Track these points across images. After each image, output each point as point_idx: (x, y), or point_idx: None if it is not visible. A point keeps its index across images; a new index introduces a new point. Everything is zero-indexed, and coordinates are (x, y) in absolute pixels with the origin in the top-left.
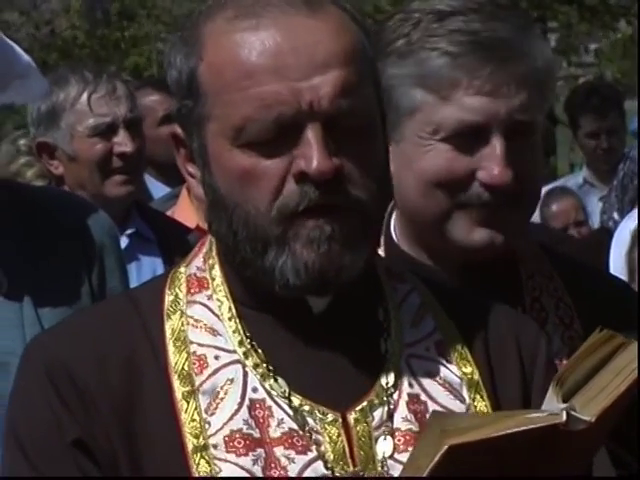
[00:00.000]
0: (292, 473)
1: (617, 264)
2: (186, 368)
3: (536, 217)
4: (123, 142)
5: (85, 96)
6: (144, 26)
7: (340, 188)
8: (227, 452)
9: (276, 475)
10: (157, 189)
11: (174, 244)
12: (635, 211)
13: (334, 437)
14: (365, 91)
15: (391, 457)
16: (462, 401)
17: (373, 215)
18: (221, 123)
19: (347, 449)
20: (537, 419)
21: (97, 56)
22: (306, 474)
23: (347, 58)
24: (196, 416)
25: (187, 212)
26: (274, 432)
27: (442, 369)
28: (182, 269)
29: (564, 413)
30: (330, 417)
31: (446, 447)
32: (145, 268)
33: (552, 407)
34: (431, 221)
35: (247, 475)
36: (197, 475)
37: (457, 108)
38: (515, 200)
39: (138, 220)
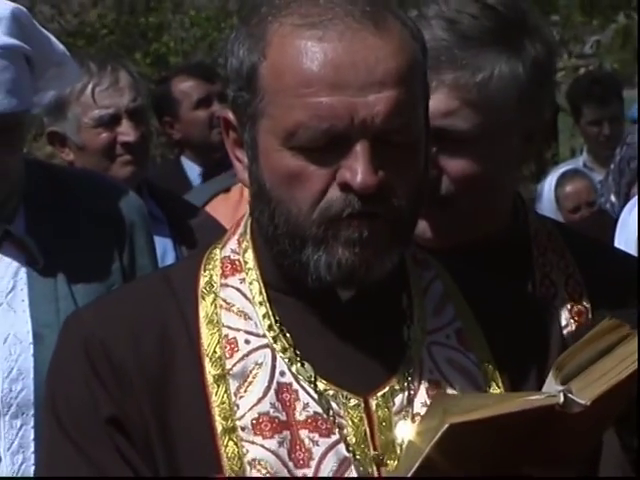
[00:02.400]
0: (316, 455)
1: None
2: (217, 351)
3: (551, 197)
4: (126, 132)
5: (89, 88)
6: (166, 15)
7: (382, 199)
8: (254, 434)
9: (300, 457)
10: (192, 170)
11: (180, 225)
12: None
13: (356, 421)
14: (416, 109)
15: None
16: (478, 388)
17: (410, 221)
18: (274, 123)
19: (368, 433)
20: (535, 400)
21: (122, 43)
22: (329, 456)
23: (403, 78)
24: (225, 399)
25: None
26: (300, 415)
27: (461, 357)
28: (217, 250)
29: (561, 395)
30: (353, 402)
31: (447, 425)
32: (162, 252)
33: (550, 389)
34: None
35: (273, 456)
36: (225, 456)
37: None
38: (444, 202)
39: (149, 201)
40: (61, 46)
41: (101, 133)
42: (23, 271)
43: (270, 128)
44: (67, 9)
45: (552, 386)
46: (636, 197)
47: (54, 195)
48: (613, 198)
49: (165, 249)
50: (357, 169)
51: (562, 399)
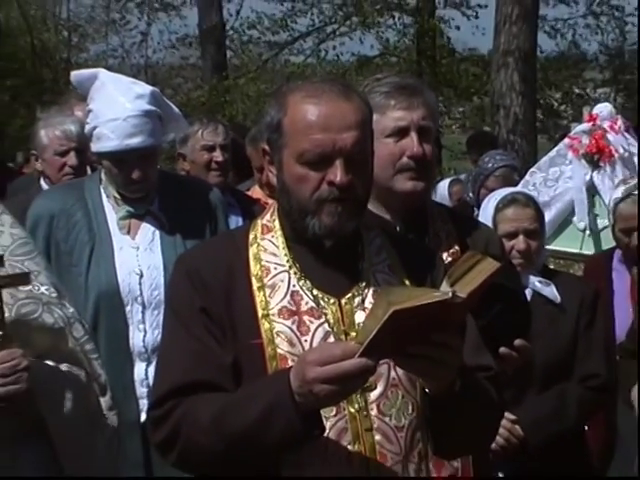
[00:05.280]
0: (312, 329)
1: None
2: (259, 273)
3: (444, 193)
4: (217, 156)
5: (200, 130)
6: (233, 94)
7: (350, 190)
8: (278, 317)
9: (303, 329)
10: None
11: (248, 210)
12: (497, 192)
13: (334, 311)
14: (367, 141)
15: (363, 322)
16: None
17: (364, 203)
18: (291, 150)
19: (340, 318)
20: (437, 295)
21: (210, 109)
22: (319, 330)
23: (360, 125)
24: (263, 298)
25: (256, 192)
26: (303, 307)
27: (390, 277)
28: (258, 220)
29: (450, 292)
30: (332, 301)
31: (392, 311)
32: (232, 221)
33: (444, 290)
34: (385, 182)
35: (288, 329)
36: (263, 329)
37: (390, 119)
38: (426, 167)
39: (229, 196)
40: (178, 110)
41: (204, 155)
42: (157, 231)
43: (289, 153)
44: (180, 90)
45: (445, 288)
46: (489, 195)
47: (174, 190)
48: (471, 195)
49: (237, 222)
50: (337, 174)
51: (451, 295)
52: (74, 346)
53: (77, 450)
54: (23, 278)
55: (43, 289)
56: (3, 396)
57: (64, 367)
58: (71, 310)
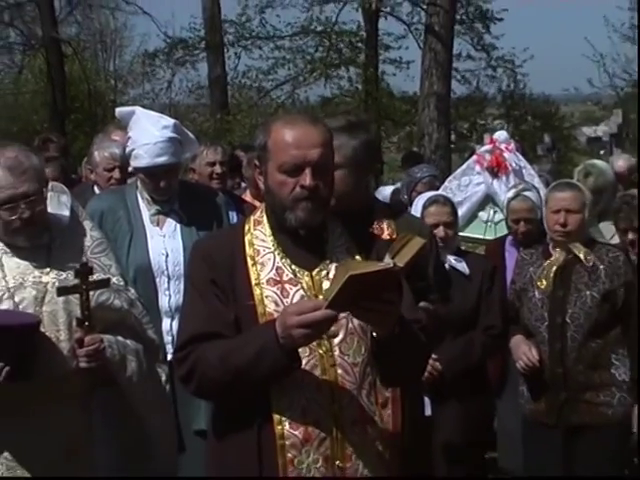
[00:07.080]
0: (291, 293)
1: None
2: (252, 254)
3: (386, 194)
4: (217, 169)
5: (205, 151)
6: (235, 124)
7: (317, 191)
8: (267, 285)
9: (285, 294)
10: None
11: (240, 208)
12: (424, 195)
13: (307, 281)
14: (329, 156)
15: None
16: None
17: (327, 201)
18: (274, 162)
19: (312, 286)
20: (383, 265)
21: (216, 136)
22: (297, 294)
23: (324, 145)
24: (255, 272)
25: (248, 196)
26: (285, 278)
27: (347, 257)
28: (251, 217)
29: (391, 263)
30: (306, 273)
31: (348, 275)
32: (230, 216)
33: (387, 261)
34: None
35: (274, 294)
36: (254, 293)
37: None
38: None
39: (228, 198)
40: (192, 136)
41: (208, 168)
42: (178, 224)
43: (272, 164)
44: (195, 122)
45: (388, 260)
46: (418, 197)
47: (191, 194)
48: (405, 196)
49: (234, 217)
50: (307, 179)
51: (392, 264)
52: (135, 321)
53: (140, 394)
54: (105, 282)
55: (114, 279)
56: (87, 369)
57: (128, 342)
58: (132, 291)
